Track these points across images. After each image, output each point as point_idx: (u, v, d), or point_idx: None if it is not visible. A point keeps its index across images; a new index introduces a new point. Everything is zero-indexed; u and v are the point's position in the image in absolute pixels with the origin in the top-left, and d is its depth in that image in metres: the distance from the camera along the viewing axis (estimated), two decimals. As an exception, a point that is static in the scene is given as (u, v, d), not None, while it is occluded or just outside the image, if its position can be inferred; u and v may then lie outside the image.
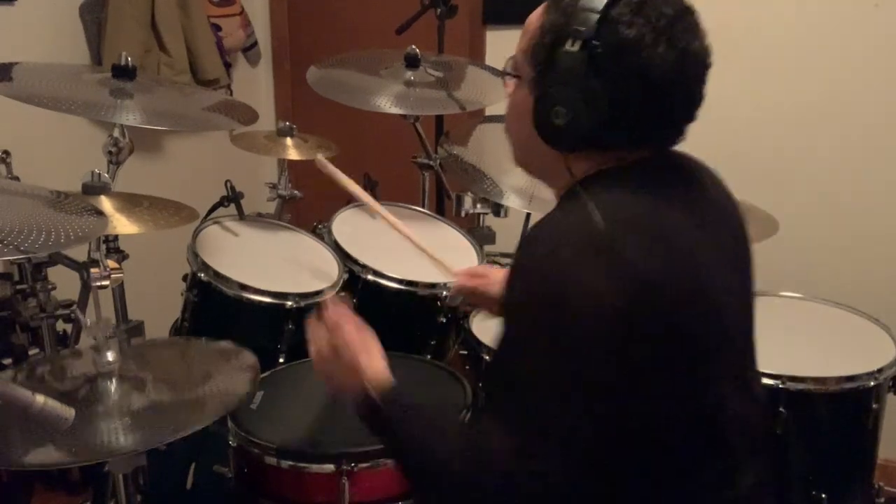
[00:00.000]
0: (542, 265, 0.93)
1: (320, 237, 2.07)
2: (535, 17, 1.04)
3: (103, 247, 1.69)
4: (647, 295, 0.90)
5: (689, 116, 1.02)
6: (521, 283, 0.96)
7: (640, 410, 0.94)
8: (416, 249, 1.83)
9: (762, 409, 1.18)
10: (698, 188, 1.08)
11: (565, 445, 0.91)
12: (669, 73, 0.95)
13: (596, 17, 0.95)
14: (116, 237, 1.82)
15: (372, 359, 1.11)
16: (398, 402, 1.07)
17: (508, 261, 2.24)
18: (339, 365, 1.12)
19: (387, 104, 2.08)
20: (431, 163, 2.26)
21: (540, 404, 0.92)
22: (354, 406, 1.10)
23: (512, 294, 0.97)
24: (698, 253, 0.98)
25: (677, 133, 1.03)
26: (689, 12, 0.99)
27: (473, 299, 1.58)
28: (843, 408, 1.66)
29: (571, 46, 0.96)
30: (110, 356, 1.33)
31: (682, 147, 1.23)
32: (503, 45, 2.95)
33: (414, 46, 2.18)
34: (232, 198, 2.06)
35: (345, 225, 2.08)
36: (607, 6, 0.95)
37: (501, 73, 1.10)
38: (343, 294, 1.23)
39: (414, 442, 1.04)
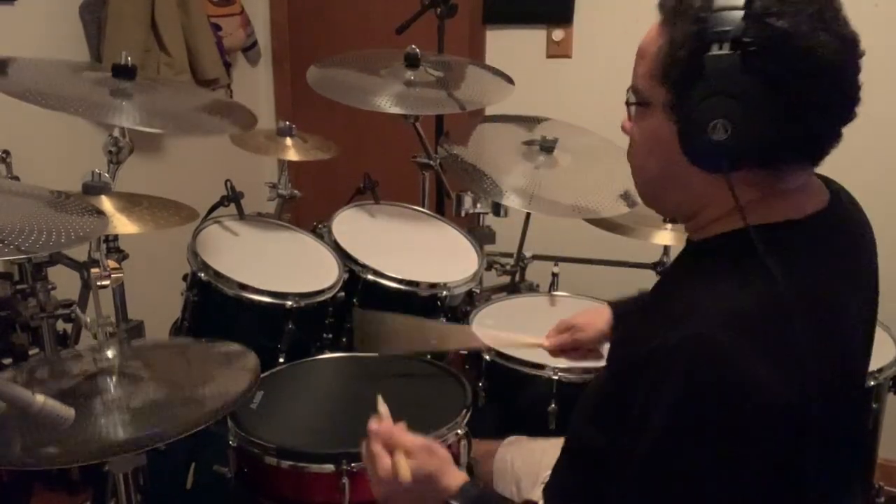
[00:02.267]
0: (709, 359, 0.79)
1: (320, 237, 2.07)
2: (652, 37, 0.94)
3: (103, 247, 1.69)
4: (814, 389, 0.81)
5: (852, 115, 0.92)
6: (666, 383, 0.80)
7: None
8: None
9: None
10: (859, 249, 1.01)
11: None
12: (834, 62, 0.86)
13: (739, 13, 0.84)
14: (116, 237, 1.82)
15: (452, 475, 1.08)
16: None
17: (508, 261, 2.26)
18: (417, 489, 1.08)
19: (387, 104, 2.08)
20: (431, 163, 2.26)
21: None
22: None
23: (648, 397, 0.82)
24: (852, 339, 0.92)
25: (838, 138, 0.92)
26: None
27: (574, 355, 1.51)
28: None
29: (719, 50, 0.85)
30: (110, 353, 1.33)
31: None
32: (503, 44, 2.95)
33: (414, 46, 2.18)
34: (232, 198, 2.06)
35: (345, 225, 2.08)
36: (749, 1, 0.84)
37: (626, 104, 0.98)
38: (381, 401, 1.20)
39: None
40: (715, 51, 0.85)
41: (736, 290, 0.85)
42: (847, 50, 0.88)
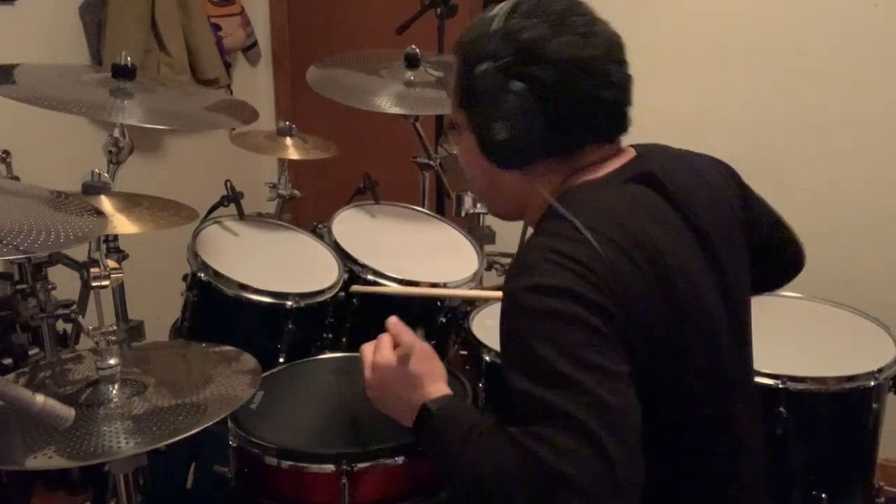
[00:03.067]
0: (524, 289, 0.95)
1: (320, 237, 2.07)
2: (449, 78, 1.12)
3: (103, 247, 1.69)
4: (629, 310, 0.95)
5: (625, 98, 1.05)
6: (511, 307, 0.97)
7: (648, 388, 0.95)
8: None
9: (757, 411, 1.18)
10: (670, 189, 1.08)
11: (613, 421, 0.89)
12: (580, 55, 1.00)
13: (496, 36, 1.02)
14: (116, 237, 1.82)
15: (438, 386, 1.15)
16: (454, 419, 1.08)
17: (508, 261, 2.26)
18: (403, 387, 1.16)
19: (387, 104, 2.08)
20: (431, 163, 2.26)
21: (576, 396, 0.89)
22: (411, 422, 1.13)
23: (505, 321, 0.98)
24: (665, 253, 1.01)
25: (619, 122, 1.06)
26: (578, 5, 1.04)
27: None
28: (843, 408, 1.66)
29: (481, 67, 1.02)
30: (112, 361, 1.33)
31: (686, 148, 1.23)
32: (503, 45, 2.95)
33: (414, 46, 2.18)
34: (232, 198, 2.06)
35: (345, 225, 2.08)
36: (501, 25, 1.02)
37: (446, 135, 1.18)
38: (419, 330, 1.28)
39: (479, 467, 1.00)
40: (479, 69, 1.03)
41: (545, 238, 1.01)
42: (594, 44, 1.02)
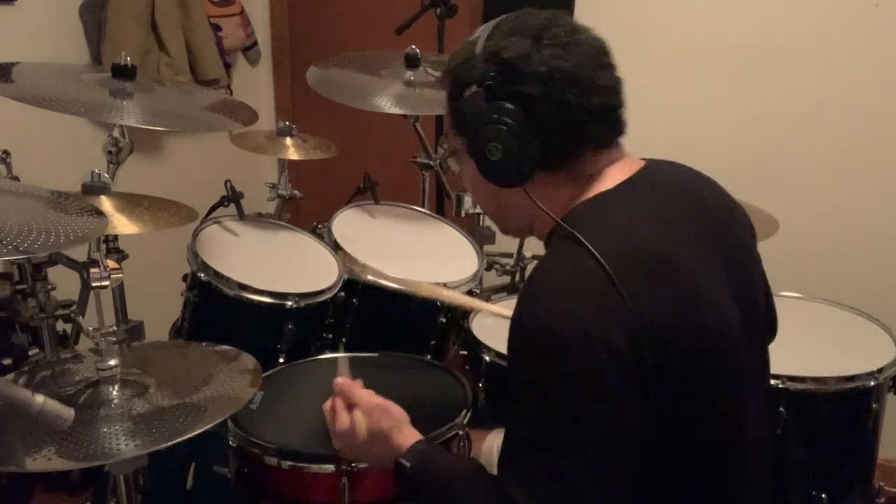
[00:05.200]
0: (533, 319, 0.95)
1: (320, 237, 2.06)
2: (443, 108, 1.12)
3: (103, 247, 1.69)
4: (649, 332, 0.93)
5: (616, 101, 1.05)
6: (516, 343, 0.98)
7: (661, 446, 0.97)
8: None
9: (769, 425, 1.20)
10: (679, 199, 1.09)
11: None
12: (562, 66, 1.00)
13: (480, 59, 1.02)
14: (116, 237, 1.82)
15: (405, 434, 1.17)
16: (429, 469, 1.12)
17: (508, 261, 2.26)
18: (373, 446, 1.19)
19: (387, 104, 2.08)
20: (431, 163, 2.27)
21: (569, 471, 0.93)
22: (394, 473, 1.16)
23: (510, 355, 0.99)
24: (680, 266, 1.00)
25: (615, 123, 1.06)
26: (558, 16, 1.04)
27: None
28: (843, 408, 1.66)
29: (468, 92, 1.03)
30: (112, 361, 1.33)
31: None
32: (503, 44, 2.95)
33: (414, 46, 2.18)
34: (232, 198, 2.06)
35: (345, 225, 2.08)
36: (483, 47, 1.02)
37: (447, 167, 1.19)
38: (343, 357, 1.31)
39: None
40: (466, 94, 1.04)
41: (552, 264, 1.00)
42: (576, 53, 1.01)
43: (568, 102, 1.01)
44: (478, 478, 1.04)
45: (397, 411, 1.19)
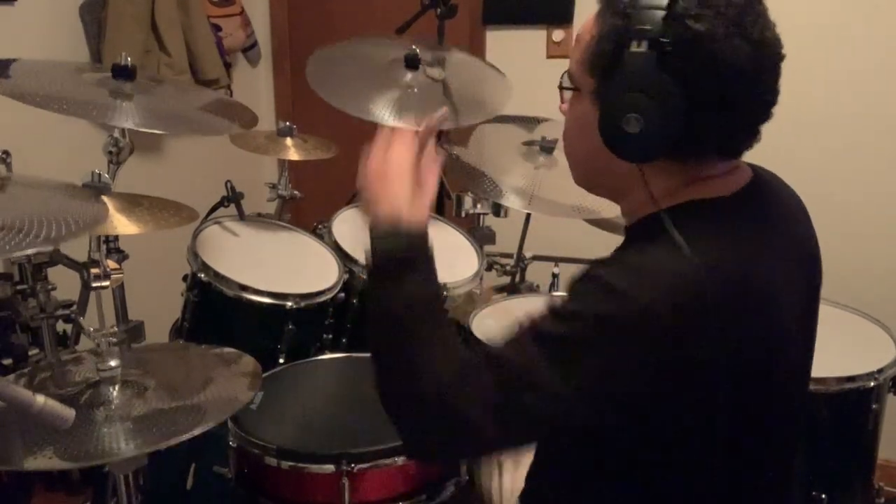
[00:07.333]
0: (625, 291, 0.87)
1: (320, 237, 2.07)
2: (588, 25, 0.97)
3: (103, 247, 1.69)
4: (723, 361, 0.89)
5: (767, 115, 0.96)
6: (594, 294, 0.90)
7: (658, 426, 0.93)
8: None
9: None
10: (786, 224, 1.05)
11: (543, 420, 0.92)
12: (746, 66, 0.90)
13: (661, 13, 0.88)
14: (116, 237, 1.82)
15: (424, 196, 1.04)
16: (424, 253, 1.00)
17: (508, 261, 2.26)
18: (390, 179, 1.03)
19: (386, 113, 2.07)
20: (431, 163, 2.26)
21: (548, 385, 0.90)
22: (377, 234, 1.01)
23: (576, 297, 0.92)
24: (781, 302, 0.96)
25: (754, 136, 0.97)
26: (757, 1, 0.94)
27: None
28: (843, 408, 1.66)
29: (637, 48, 0.89)
30: (113, 362, 1.33)
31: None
32: (503, 45, 2.95)
33: (414, 47, 2.18)
34: (232, 198, 2.06)
35: (345, 225, 2.08)
36: (671, 1, 0.88)
37: (559, 88, 1.03)
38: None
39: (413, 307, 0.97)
40: (634, 48, 0.89)
41: (645, 256, 0.92)
42: (762, 55, 0.92)
43: (734, 106, 0.92)
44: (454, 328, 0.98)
45: (431, 195, 1.06)
